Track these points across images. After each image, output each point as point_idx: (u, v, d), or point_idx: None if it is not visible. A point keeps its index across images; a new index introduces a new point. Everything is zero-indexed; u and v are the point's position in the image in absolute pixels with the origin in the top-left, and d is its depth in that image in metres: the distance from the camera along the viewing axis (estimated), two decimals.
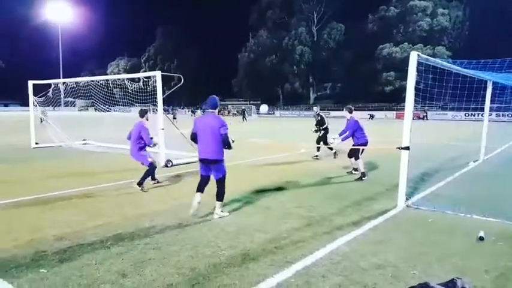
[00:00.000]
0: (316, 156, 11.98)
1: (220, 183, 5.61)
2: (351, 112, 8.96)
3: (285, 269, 3.88)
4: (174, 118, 35.33)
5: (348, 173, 9.33)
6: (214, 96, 5.69)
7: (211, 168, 5.57)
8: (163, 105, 10.69)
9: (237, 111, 66.81)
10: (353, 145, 8.73)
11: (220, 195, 5.62)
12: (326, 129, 12.08)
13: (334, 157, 11.93)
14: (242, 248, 4.42)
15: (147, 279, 3.62)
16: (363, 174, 8.66)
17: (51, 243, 4.51)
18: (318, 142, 12.13)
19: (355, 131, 8.69)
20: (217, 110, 5.60)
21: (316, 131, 12.30)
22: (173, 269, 3.86)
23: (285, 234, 4.93)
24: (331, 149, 11.91)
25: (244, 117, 41.13)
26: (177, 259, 4.10)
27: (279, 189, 7.75)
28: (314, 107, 13.53)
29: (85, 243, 4.52)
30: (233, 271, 3.82)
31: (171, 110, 34.65)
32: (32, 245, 4.45)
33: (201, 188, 5.63)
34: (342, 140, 8.77)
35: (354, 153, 8.79)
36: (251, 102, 75.62)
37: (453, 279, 3.03)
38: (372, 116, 46.24)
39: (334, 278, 3.70)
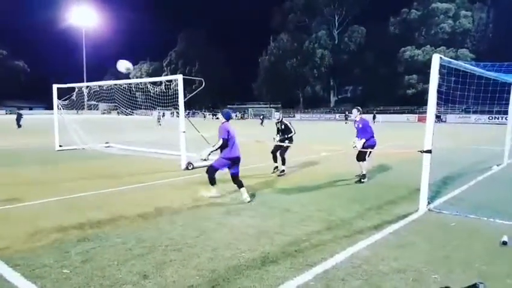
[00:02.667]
0: (277, 168, 9.93)
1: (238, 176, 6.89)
2: (360, 113, 8.92)
3: (304, 272, 3.88)
4: (159, 120, 35.38)
5: (356, 176, 8.96)
6: (228, 110, 7.30)
7: (237, 165, 6.81)
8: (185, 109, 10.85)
9: (258, 116, 67.25)
10: (363, 147, 8.50)
11: (242, 183, 6.84)
12: (291, 139, 9.91)
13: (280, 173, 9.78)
14: (262, 251, 4.44)
15: (168, 281, 3.68)
16: (363, 176, 8.65)
17: (75, 244, 4.62)
18: (273, 152, 9.95)
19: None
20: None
21: (281, 141, 9.88)
22: (194, 270, 3.92)
23: (305, 237, 4.93)
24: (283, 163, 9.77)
25: (262, 121, 42.46)
26: (198, 261, 4.15)
27: (299, 192, 7.74)
28: (276, 113, 10.99)
29: (107, 244, 4.63)
30: (253, 273, 3.85)
31: (159, 113, 34.59)
32: (56, 245, 4.58)
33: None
34: (366, 140, 8.52)
35: (363, 156, 8.65)
36: (271, 105, 75.68)
37: (475, 284, 2.99)
38: (374, 117, 46.66)
39: (354, 281, 3.68)
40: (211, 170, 6.81)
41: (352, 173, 9.43)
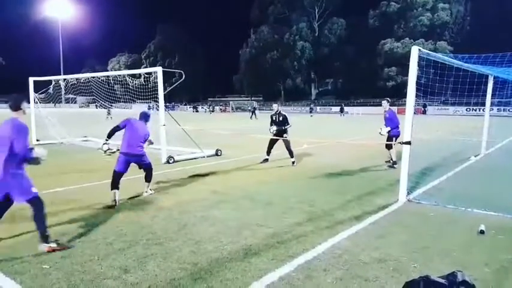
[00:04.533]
0: (267, 160, 10.24)
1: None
2: (389, 103, 10.15)
3: (287, 263, 3.90)
4: (109, 114, 34.74)
5: (386, 162, 9.88)
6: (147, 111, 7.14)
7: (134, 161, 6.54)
8: (164, 102, 10.70)
9: (239, 109, 67.12)
10: (390, 136, 9.46)
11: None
12: (286, 131, 9.99)
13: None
14: (244, 243, 4.44)
15: (149, 275, 3.65)
16: (395, 162, 9.44)
17: (54, 239, 4.52)
18: (270, 146, 10.13)
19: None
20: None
21: (278, 132, 9.93)
22: (175, 264, 3.89)
23: (287, 229, 4.95)
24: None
25: (254, 114, 40.46)
26: (179, 254, 4.12)
27: (282, 184, 7.78)
28: (274, 104, 10.49)
29: (87, 239, 4.55)
30: (235, 266, 3.85)
31: (108, 105, 33.64)
32: (35, 241, 4.47)
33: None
34: (392, 129, 9.60)
35: (390, 145, 9.55)
36: (253, 98, 75.55)
37: (454, 272, 3.04)
38: (342, 110, 49.53)
39: (335, 271, 3.72)
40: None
41: (333, 165, 9.52)
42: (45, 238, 4.17)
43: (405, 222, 5.28)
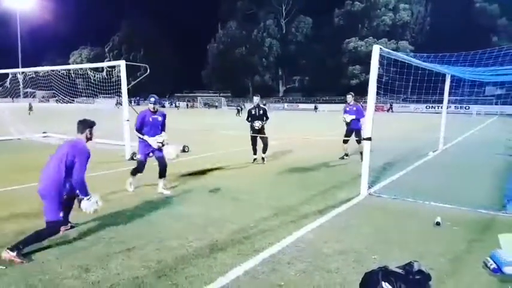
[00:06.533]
0: (256, 160, 9.88)
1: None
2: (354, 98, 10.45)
3: (252, 257, 3.94)
4: (30, 109, 33.87)
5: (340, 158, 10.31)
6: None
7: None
8: (128, 97, 10.45)
9: (206, 105, 66.51)
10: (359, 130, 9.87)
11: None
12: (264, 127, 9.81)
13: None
14: (210, 239, 4.44)
15: (111, 273, 3.57)
16: (346, 154, 10.29)
17: (11, 238, 4.33)
18: (254, 144, 9.82)
19: None
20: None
21: (261, 128, 9.70)
22: (139, 262, 3.83)
23: (253, 224, 4.99)
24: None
25: (238, 111, 40.17)
26: (143, 252, 4.06)
27: (249, 180, 7.82)
28: (254, 97, 10.12)
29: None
30: (201, 262, 3.84)
31: (32, 100, 32.52)
32: None
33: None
34: (356, 119, 9.99)
35: (347, 140, 10.22)
36: (221, 94, 75.13)
37: (410, 262, 3.19)
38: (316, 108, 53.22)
39: (299, 264, 3.80)
40: None
41: (301, 160, 9.64)
42: (15, 248, 3.86)
43: (366, 215, 5.45)
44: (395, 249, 4.23)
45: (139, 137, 6.48)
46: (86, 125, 4.32)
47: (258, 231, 4.71)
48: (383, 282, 2.97)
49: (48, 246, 4.15)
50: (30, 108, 33.71)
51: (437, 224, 5.01)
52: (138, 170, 6.56)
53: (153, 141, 6.36)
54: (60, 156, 4.10)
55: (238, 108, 42.47)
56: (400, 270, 3.11)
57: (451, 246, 4.35)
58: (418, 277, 3.05)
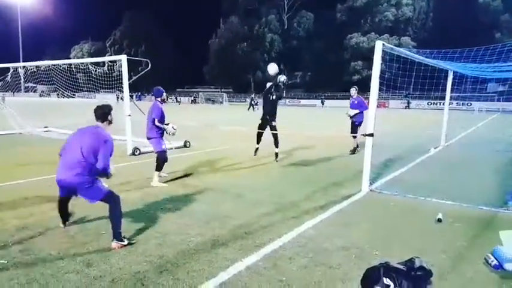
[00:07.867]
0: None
1: None
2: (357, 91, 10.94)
3: (253, 252, 3.94)
4: (3, 99, 33.39)
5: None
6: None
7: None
8: (130, 92, 10.44)
9: (209, 101, 66.30)
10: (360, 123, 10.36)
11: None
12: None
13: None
14: (212, 235, 4.44)
15: (113, 268, 3.58)
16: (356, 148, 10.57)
17: (13, 234, 4.36)
18: (259, 135, 9.57)
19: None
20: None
21: (265, 122, 9.43)
22: (141, 257, 3.84)
23: (255, 219, 4.99)
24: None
25: (251, 105, 37.46)
26: (145, 247, 4.07)
27: (251, 176, 7.82)
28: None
29: (48, 233, 4.42)
30: (202, 257, 3.84)
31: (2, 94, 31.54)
32: None
33: None
34: (359, 113, 10.49)
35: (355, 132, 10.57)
36: (222, 89, 74.94)
37: (412, 258, 3.19)
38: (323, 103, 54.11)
39: (300, 260, 3.80)
40: None
41: (302, 157, 9.63)
42: (119, 235, 4.08)
43: (367, 212, 5.45)
44: (396, 245, 4.24)
45: (159, 128, 6.85)
46: (106, 111, 4.40)
47: (259, 227, 4.72)
48: (384, 278, 2.97)
49: (50, 241, 4.17)
50: (3, 98, 32.08)
51: (439, 220, 5.01)
52: (164, 161, 6.90)
53: (171, 128, 6.96)
54: (83, 145, 4.25)
55: (252, 103, 38.15)
56: (401, 267, 3.11)
57: (452, 242, 4.35)
58: (419, 273, 3.05)
